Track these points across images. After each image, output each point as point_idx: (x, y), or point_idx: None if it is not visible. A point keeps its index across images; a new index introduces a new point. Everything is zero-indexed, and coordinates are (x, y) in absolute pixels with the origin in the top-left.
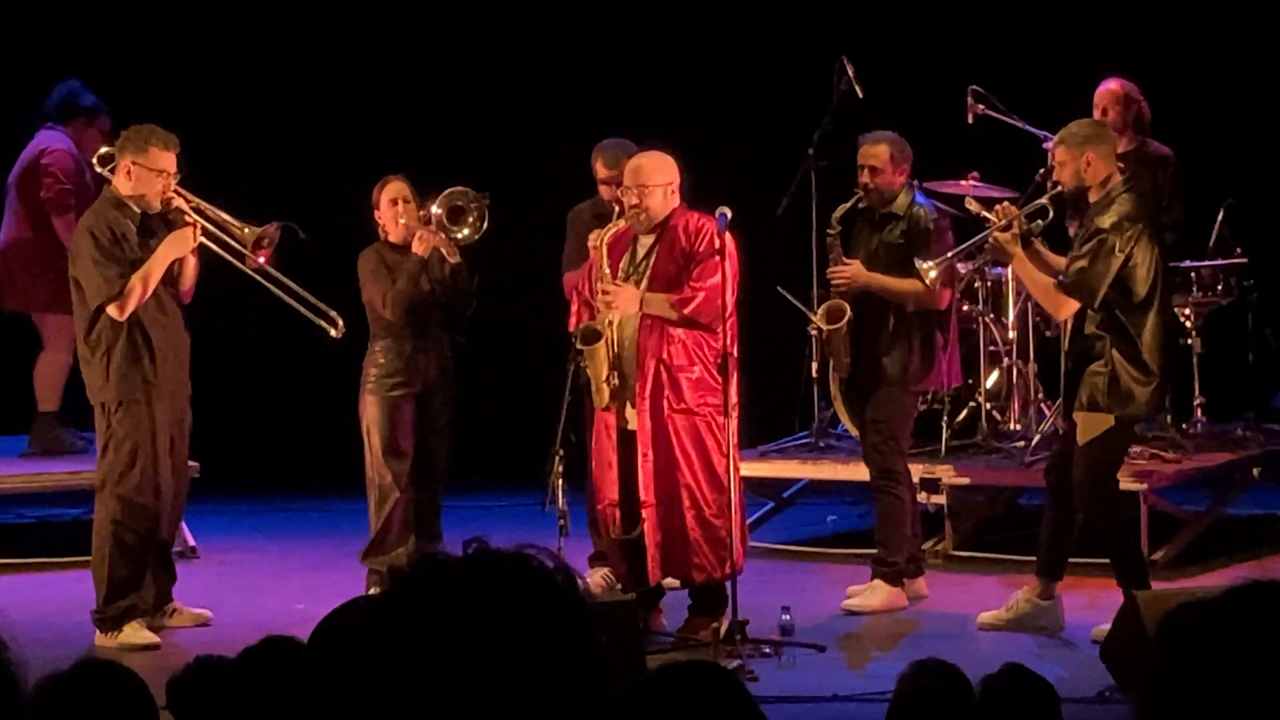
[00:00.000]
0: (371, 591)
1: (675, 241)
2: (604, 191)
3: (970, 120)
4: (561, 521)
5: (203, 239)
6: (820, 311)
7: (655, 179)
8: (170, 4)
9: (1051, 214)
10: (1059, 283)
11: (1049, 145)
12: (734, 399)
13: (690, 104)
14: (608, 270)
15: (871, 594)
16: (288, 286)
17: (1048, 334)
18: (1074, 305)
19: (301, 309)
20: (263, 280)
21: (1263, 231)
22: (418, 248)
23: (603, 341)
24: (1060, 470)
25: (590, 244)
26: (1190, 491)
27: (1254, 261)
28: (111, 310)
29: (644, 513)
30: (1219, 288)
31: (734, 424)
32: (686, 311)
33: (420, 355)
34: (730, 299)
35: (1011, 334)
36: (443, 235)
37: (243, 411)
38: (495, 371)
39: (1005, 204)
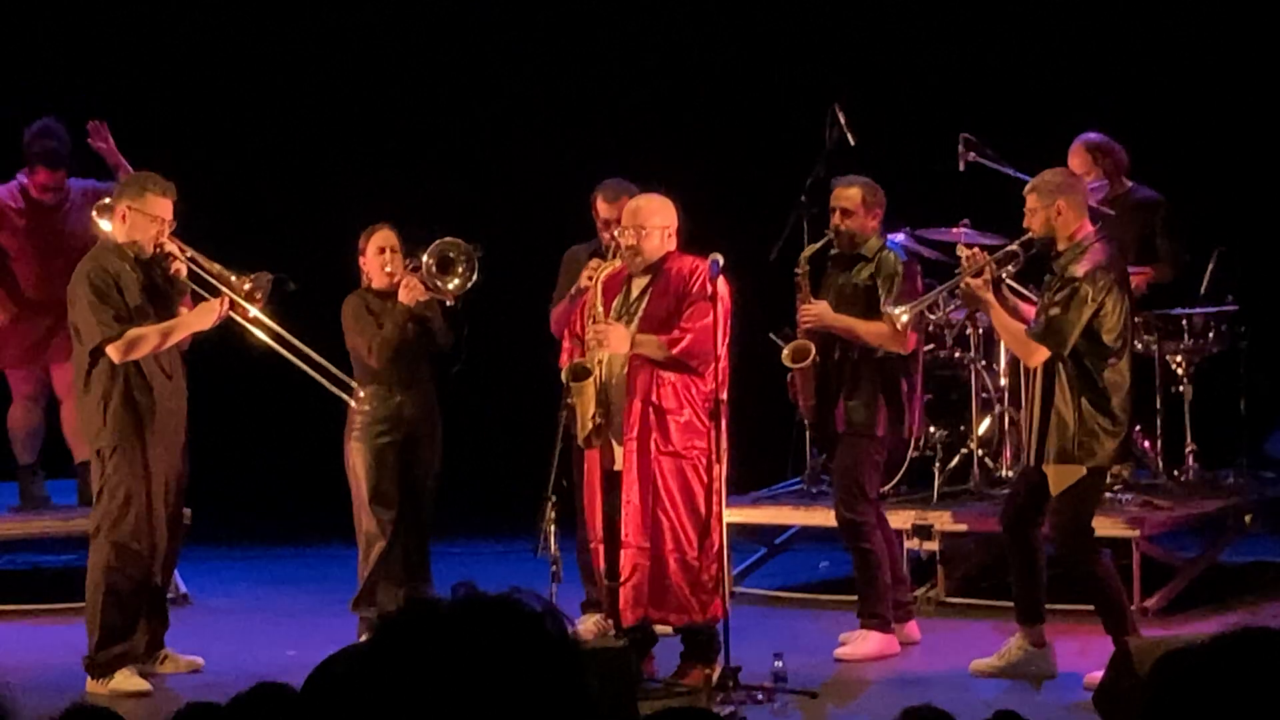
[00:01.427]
0: (363, 639)
1: (668, 284)
2: (603, 233)
3: (961, 167)
4: (554, 567)
5: (230, 313)
6: (786, 351)
7: (653, 220)
8: (159, 51)
9: (1022, 260)
10: (1030, 330)
11: None
12: (723, 444)
13: (683, 151)
14: (601, 308)
15: (863, 641)
16: (294, 345)
17: None
18: (1044, 353)
19: (311, 371)
20: (258, 331)
21: (1254, 279)
22: (404, 296)
23: (591, 379)
24: (1014, 515)
25: (584, 279)
26: (1182, 539)
27: (1245, 309)
28: (111, 351)
29: (624, 553)
30: (1211, 335)
31: (723, 469)
32: (675, 352)
33: (406, 402)
34: (722, 343)
35: (1003, 381)
36: (416, 277)
37: (234, 460)
38: (487, 416)
39: (976, 250)
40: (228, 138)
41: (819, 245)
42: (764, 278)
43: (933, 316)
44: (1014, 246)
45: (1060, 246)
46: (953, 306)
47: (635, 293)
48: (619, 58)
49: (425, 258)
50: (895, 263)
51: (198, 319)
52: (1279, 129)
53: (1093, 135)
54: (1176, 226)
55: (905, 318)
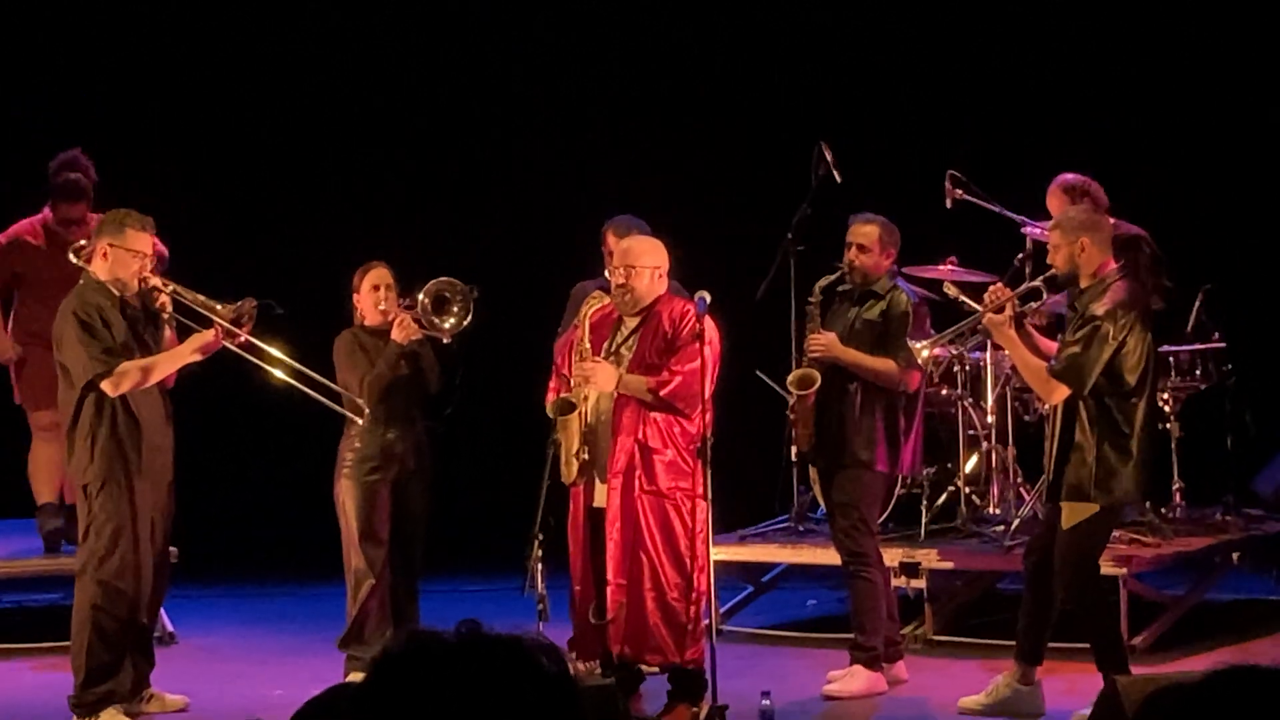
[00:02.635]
0: (350, 677)
1: (658, 327)
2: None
3: (948, 205)
4: (540, 606)
5: (225, 342)
6: (792, 377)
7: (644, 261)
8: (150, 88)
9: (1045, 297)
10: (1050, 368)
11: (1027, 230)
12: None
13: (670, 189)
14: (589, 346)
15: (851, 679)
16: (296, 368)
17: (1026, 418)
18: (1064, 391)
19: (315, 393)
20: (252, 357)
21: (1240, 316)
22: (398, 334)
23: (576, 414)
24: (1039, 555)
25: (577, 319)
26: (1170, 576)
27: (1232, 346)
28: (105, 386)
29: (608, 591)
30: (1198, 372)
31: (707, 511)
32: (663, 394)
33: (397, 440)
34: (709, 385)
35: (990, 418)
36: (411, 316)
37: (220, 498)
38: (474, 455)
39: (999, 285)
40: (222, 175)
41: (833, 278)
42: (751, 316)
43: (954, 353)
44: (1037, 283)
45: (1083, 284)
46: (972, 343)
47: (625, 334)
48: (612, 98)
49: (421, 296)
50: (905, 303)
51: (191, 349)
52: (1263, 167)
53: (1069, 176)
54: (1161, 262)
55: (926, 353)
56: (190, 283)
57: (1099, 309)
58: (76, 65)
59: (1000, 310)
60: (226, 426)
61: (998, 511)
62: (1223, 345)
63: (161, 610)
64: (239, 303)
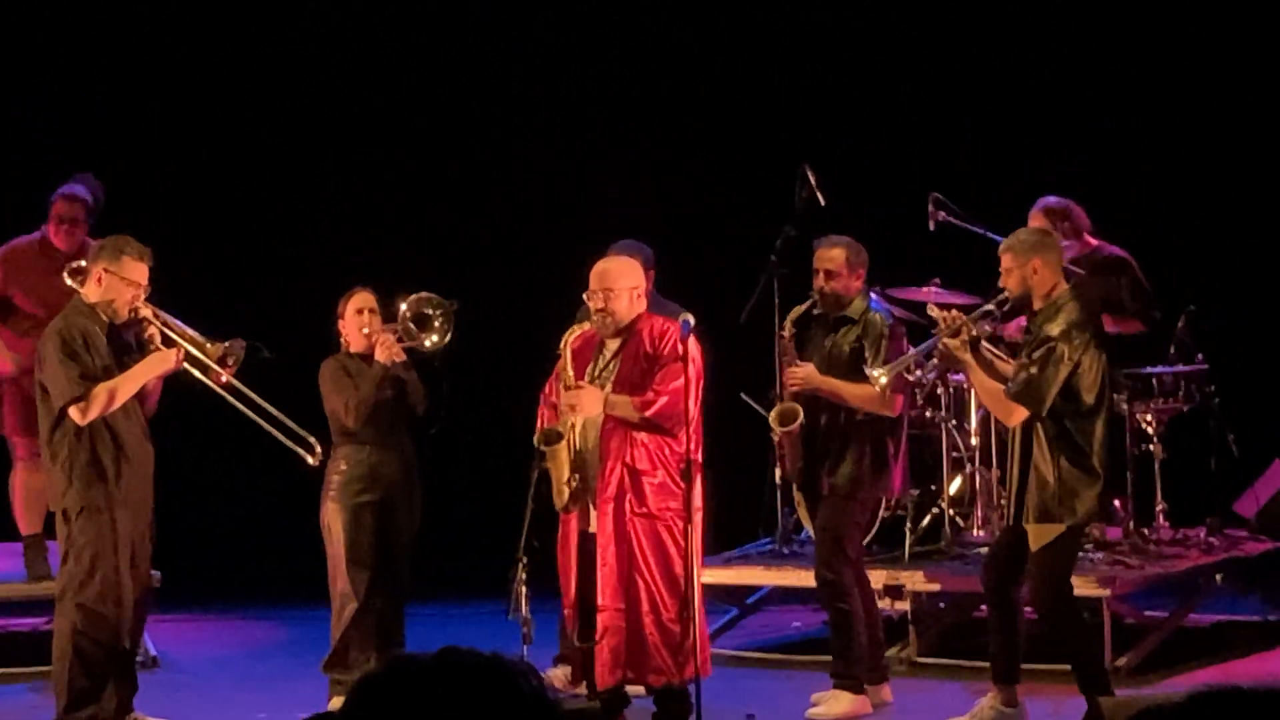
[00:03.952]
0: (333, 702)
1: (639, 346)
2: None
3: (931, 227)
4: (525, 629)
5: (185, 364)
6: (773, 414)
7: (621, 283)
8: (141, 111)
9: (1000, 320)
10: (1007, 390)
11: None
12: (697, 504)
13: (653, 212)
14: (571, 373)
15: (835, 702)
16: (261, 408)
17: (1008, 440)
18: (1023, 412)
19: (276, 432)
20: (234, 400)
21: (1223, 337)
22: (381, 355)
23: (564, 443)
24: (996, 572)
25: (560, 347)
26: (1153, 598)
27: (1215, 367)
28: (73, 413)
29: (600, 617)
30: (1180, 394)
31: (697, 529)
32: (649, 414)
33: (383, 463)
34: (694, 404)
35: (974, 440)
36: (393, 335)
37: (204, 521)
38: (458, 478)
39: (953, 311)
40: (208, 200)
41: (804, 307)
42: (735, 339)
43: (910, 378)
44: (990, 305)
45: (1036, 305)
46: (930, 367)
47: (608, 356)
48: (598, 124)
49: (403, 309)
50: (882, 324)
51: (148, 368)
52: (1245, 188)
53: (1050, 199)
54: (1143, 283)
55: (885, 379)
56: (177, 287)
57: (1053, 329)
58: (77, 66)
59: (956, 334)
60: (212, 449)
61: (982, 533)
62: (1205, 367)
63: (144, 634)
64: (228, 342)
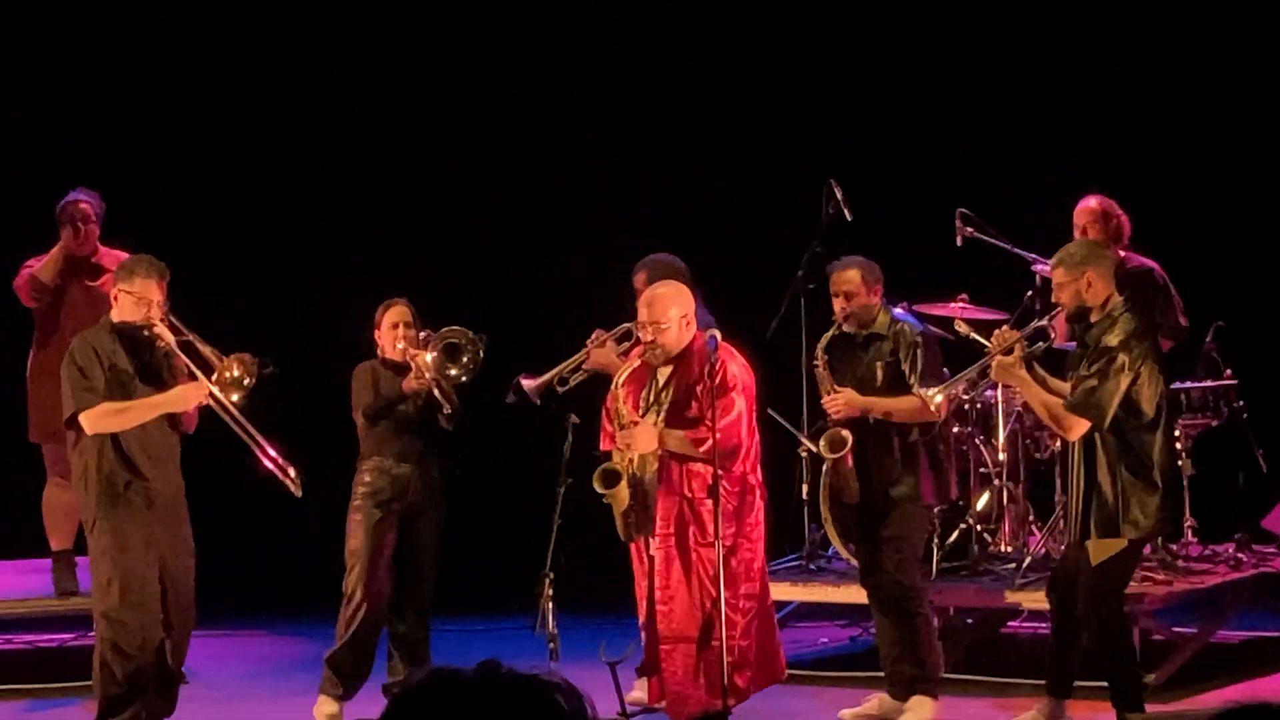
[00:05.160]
0: (318, 704)
1: (689, 370)
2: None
3: (958, 243)
4: (551, 645)
5: (209, 402)
6: (822, 442)
7: (670, 313)
8: (151, 91)
9: (1054, 336)
10: (1067, 404)
11: (1037, 267)
12: (756, 524)
13: (680, 227)
14: (625, 410)
15: (920, 708)
16: (251, 433)
17: (1037, 456)
18: (1084, 426)
19: (263, 458)
20: (231, 424)
21: (1252, 353)
22: (410, 383)
23: (622, 482)
24: (1062, 588)
25: (612, 388)
26: (1182, 614)
27: (1243, 383)
28: (83, 420)
29: (664, 648)
30: (1209, 409)
31: (759, 552)
32: (703, 450)
33: (406, 476)
34: (749, 431)
35: (1002, 456)
36: (424, 365)
37: (232, 536)
38: (485, 493)
39: (1005, 328)
40: (206, 202)
41: (832, 333)
42: (762, 354)
43: (965, 396)
44: (1044, 322)
45: (1093, 318)
46: (984, 385)
47: (660, 382)
48: (623, 135)
49: (432, 344)
50: (912, 334)
51: (175, 399)
52: (1275, 202)
53: (1098, 200)
54: (1172, 296)
55: (939, 398)
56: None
57: (1112, 340)
58: (77, 66)
59: (1009, 352)
60: (241, 467)
61: (1009, 549)
62: (1234, 382)
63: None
64: (241, 358)
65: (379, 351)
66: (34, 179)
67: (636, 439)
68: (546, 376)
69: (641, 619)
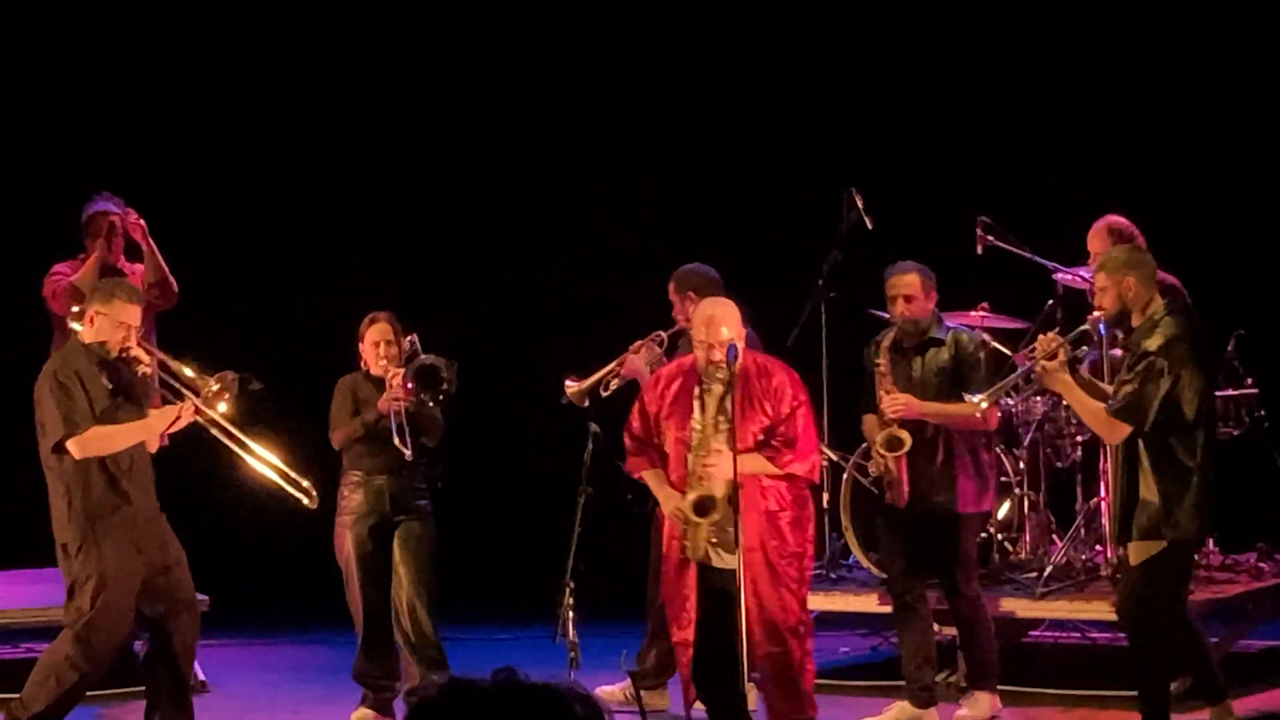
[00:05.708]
0: (358, 712)
1: (750, 388)
2: (676, 315)
3: (979, 251)
4: (572, 654)
5: (196, 418)
6: (880, 441)
7: (730, 331)
8: (152, 92)
9: (1096, 340)
10: (1109, 408)
11: (1058, 276)
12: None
13: (699, 235)
14: (701, 425)
15: (977, 705)
16: (256, 453)
17: (1059, 465)
18: (1125, 429)
19: (274, 476)
20: (229, 442)
21: (1273, 362)
22: (384, 405)
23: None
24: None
25: (653, 396)
26: (1203, 623)
27: (1264, 392)
28: (71, 446)
29: (759, 665)
30: (1230, 419)
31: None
32: (785, 470)
33: (387, 486)
34: (818, 442)
35: (1022, 465)
36: (400, 387)
37: (251, 545)
38: (505, 501)
39: (1051, 333)
40: (206, 201)
41: (892, 335)
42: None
43: (1009, 401)
44: (1087, 326)
45: (1134, 322)
46: (1029, 391)
47: (715, 397)
48: (635, 144)
49: (408, 370)
50: (970, 342)
51: (159, 421)
52: None
53: (1117, 219)
54: (1191, 309)
55: (985, 404)
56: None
57: (1152, 344)
58: (76, 67)
59: (1053, 357)
60: (257, 473)
61: (1030, 559)
62: (1255, 391)
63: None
64: (219, 376)
65: (362, 364)
66: (34, 180)
67: (716, 473)
68: (590, 381)
69: (689, 634)
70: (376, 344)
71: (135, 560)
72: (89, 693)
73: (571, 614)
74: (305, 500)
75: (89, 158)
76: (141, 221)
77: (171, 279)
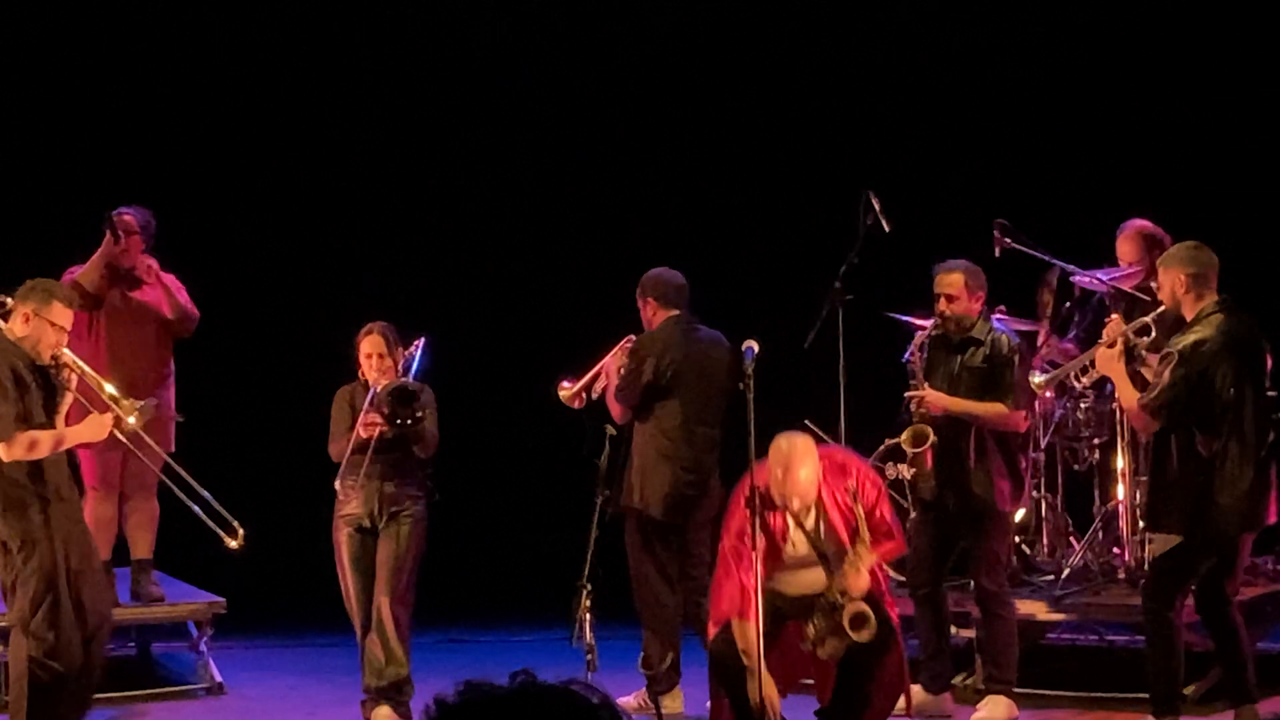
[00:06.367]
0: (377, 711)
1: (833, 505)
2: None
3: (996, 253)
4: (589, 656)
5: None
6: (905, 436)
7: (807, 472)
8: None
9: (1155, 333)
10: (1139, 402)
11: (1076, 278)
12: None
13: (717, 238)
14: (795, 547)
15: (995, 706)
16: (189, 486)
17: (1076, 467)
18: (1155, 424)
19: (187, 500)
20: (164, 477)
21: None
22: (360, 430)
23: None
24: (1204, 600)
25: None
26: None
27: None
28: (2, 449)
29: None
30: None
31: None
32: (896, 558)
33: (376, 494)
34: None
35: (1040, 467)
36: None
37: (267, 548)
38: (522, 505)
39: (1116, 319)
40: (239, 207)
41: (932, 330)
42: (799, 365)
43: (1073, 385)
44: (1148, 319)
45: (1188, 318)
46: (1087, 377)
47: (809, 527)
48: (649, 151)
49: (384, 396)
50: (1008, 345)
51: (89, 431)
52: None
53: (1145, 223)
54: (1236, 308)
55: (1040, 381)
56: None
57: (1179, 342)
58: (77, 69)
59: (1113, 345)
60: (277, 477)
61: (1048, 561)
62: (1275, 394)
63: (210, 661)
64: (141, 403)
65: (359, 374)
66: (33, 181)
67: (860, 584)
68: (580, 384)
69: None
70: (369, 356)
71: (70, 559)
72: (97, 695)
73: (589, 616)
74: (231, 543)
75: (90, 161)
76: (152, 262)
77: (190, 308)
